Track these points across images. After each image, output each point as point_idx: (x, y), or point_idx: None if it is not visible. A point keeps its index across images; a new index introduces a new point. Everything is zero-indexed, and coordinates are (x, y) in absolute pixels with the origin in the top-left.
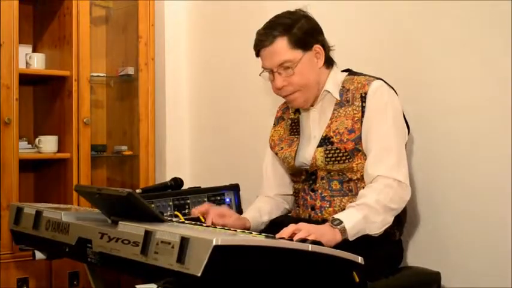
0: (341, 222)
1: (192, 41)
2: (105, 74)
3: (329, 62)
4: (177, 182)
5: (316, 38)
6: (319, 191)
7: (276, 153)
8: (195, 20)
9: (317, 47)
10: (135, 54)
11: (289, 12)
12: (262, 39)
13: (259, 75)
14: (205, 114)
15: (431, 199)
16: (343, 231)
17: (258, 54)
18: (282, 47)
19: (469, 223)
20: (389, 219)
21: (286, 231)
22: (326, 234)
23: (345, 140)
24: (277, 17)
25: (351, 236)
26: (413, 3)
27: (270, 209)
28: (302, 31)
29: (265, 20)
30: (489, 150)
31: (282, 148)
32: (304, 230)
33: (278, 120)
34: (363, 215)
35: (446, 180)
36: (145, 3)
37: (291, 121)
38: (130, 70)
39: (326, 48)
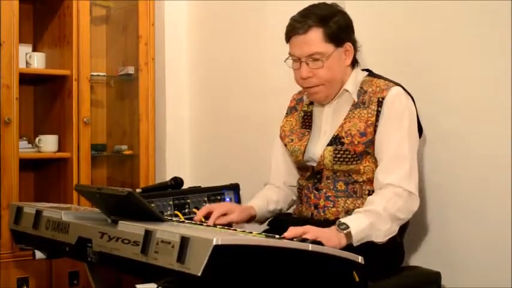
0: (347, 227)
1: (192, 41)
2: (105, 74)
3: (354, 62)
4: (177, 182)
5: (348, 35)
6: (324, 191)
7: (285, 145)
8: (195, 19)
9: (348, 45)
10: (135, 53)
11: (325, 4)
12: (297, 26)
13: (284, 61)
14: (206, 114)
15: (432, 199)
16: (349, 236)
17: (288, 40)
18: (315, 38)
19: (469, 223)
20: (395, 229)
21: (293, 232)
22: (332, 239)
23: (356, 142)
24: (314, 6)
25: (356, 242)
26: (417, 4)
27: (277, 198)
28: (337, 25)
29: (266, 19)
30: (489, 151)
31: (292, 140)
32: (311, 233)
33: (291, 110)
34: (370, 222)
35: (448, 181)
36: (145, 2)
37: (303, 113)
38: (131, 70)
39: (355, 47)
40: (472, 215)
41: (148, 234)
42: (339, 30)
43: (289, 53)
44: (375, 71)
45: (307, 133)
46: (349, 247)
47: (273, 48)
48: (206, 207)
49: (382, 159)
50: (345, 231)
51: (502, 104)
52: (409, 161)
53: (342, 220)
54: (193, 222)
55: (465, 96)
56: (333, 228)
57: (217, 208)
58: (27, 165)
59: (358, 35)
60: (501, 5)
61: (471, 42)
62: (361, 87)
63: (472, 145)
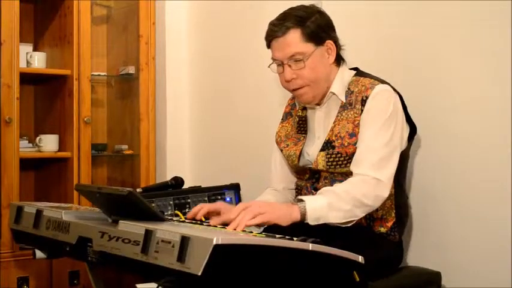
0: (303, 202)
1: (192, 40)
2: (105, 73)
3: (339, 60)
4: (178, 181)
5: (328, 33)
6: None
7: (281, 150)
8: (195, 19)
9: (329, 43)
10: (136, 53)
11: (303, 6)
12: (275, 30)
13: (268, 67)
14: (206, 114)
15: (432, 199)
16: (303, 212)
17: (269, 45)
18: (294, 39)
19: (470, 223)
20: (358, 214)
21: (234, 214)
22: (280, 211)
23: (346, 144)
24: (292, 9)
25: (312, 220)
26: (417, 3)
27: (276, 202)
28: (315, 25)
29: (266, 18)
30: (489, 150)
31: (288, 145)
32: (253, 208)
33: (286, 115)
34: (328, 202)
35: (447, 180)
36: (146, 2)
37: (298, 118)
38: (131, 69)
39: (338, 45)
40: (472, 215)
41: (148, 233)
42: (318, 29)
43: (272, 58)
44: (376, 71)
45: (302, 138)
46: (348, 246)
47: None
48: (200, 205)
49: (356, 153)
50: (299, 204)
51: (502, 104)
52: (380, 152)
53: (300, 197)
54: (193, 221)
55: (464, 96)
56: (288, 203)
57: (210, 204)
58: (27, 164)
59: (358, 35)
60: (501, 5)
61: (470, 42)
62: (349, 88)
63: (472, 145)
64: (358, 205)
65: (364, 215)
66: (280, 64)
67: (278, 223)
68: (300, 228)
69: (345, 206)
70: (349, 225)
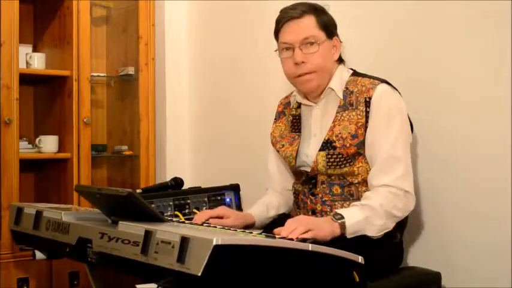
0: (342, 217)
1: (192, 41)
2: (105, 74)
3: (340, 59)
4: (178, 182)
5: (335, 31)
6: (320, 196)
7: (278, 151)
8: (195, 19)
9: (336, 40)
10: (136, 54)
11: (313, 1)
12: (290, 12)
13: (275, 51)
14: (206, 114)
15: (432, 199)
16: (343, 226)
17: (279, 30)
18: (310, 23)
19: (470, 223)
20: (390, 225)
21: (287, 229)
22: (325, 227)
23: (348, 145)
24: (303, 1)
25: (349, 234)
26: (417, 3)
27: (278, 204)
28: (327, 18)
29: (266, 19)
30: (489, 151)
31: (283, 146)
32: (303, 225)
33: (279, 115)
34: (365, 216)
35: (447, 180)
36: (145, 3)
37: (292, 117)
38: (131, 70)
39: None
40: (472, 215)
41: (148, 234)
42: (329, 22)
43: (282, 42)
44: (377, 71)
45: (297, 137)
46: (348, 246)
47: (273, 48)
48: (203, 213)
49: (375, 162)
50: (339, 221)
51: (502, 104)
52: (403, 162)
53: (338, 211)
54: (193, 223)
55: (464, 96)
56: (327, 217)
57: (212, 211)
58: (27, 165)
59: (359, 35)
60: (501, 5)
61: (471, 42)
62: (347, 88)
63: (472, 145)
64: (390, 217)
65: (393, 224)
66: (290, 48)
67: (322, 239)
68: None
69: (379, 221)
70: (380, 236)
